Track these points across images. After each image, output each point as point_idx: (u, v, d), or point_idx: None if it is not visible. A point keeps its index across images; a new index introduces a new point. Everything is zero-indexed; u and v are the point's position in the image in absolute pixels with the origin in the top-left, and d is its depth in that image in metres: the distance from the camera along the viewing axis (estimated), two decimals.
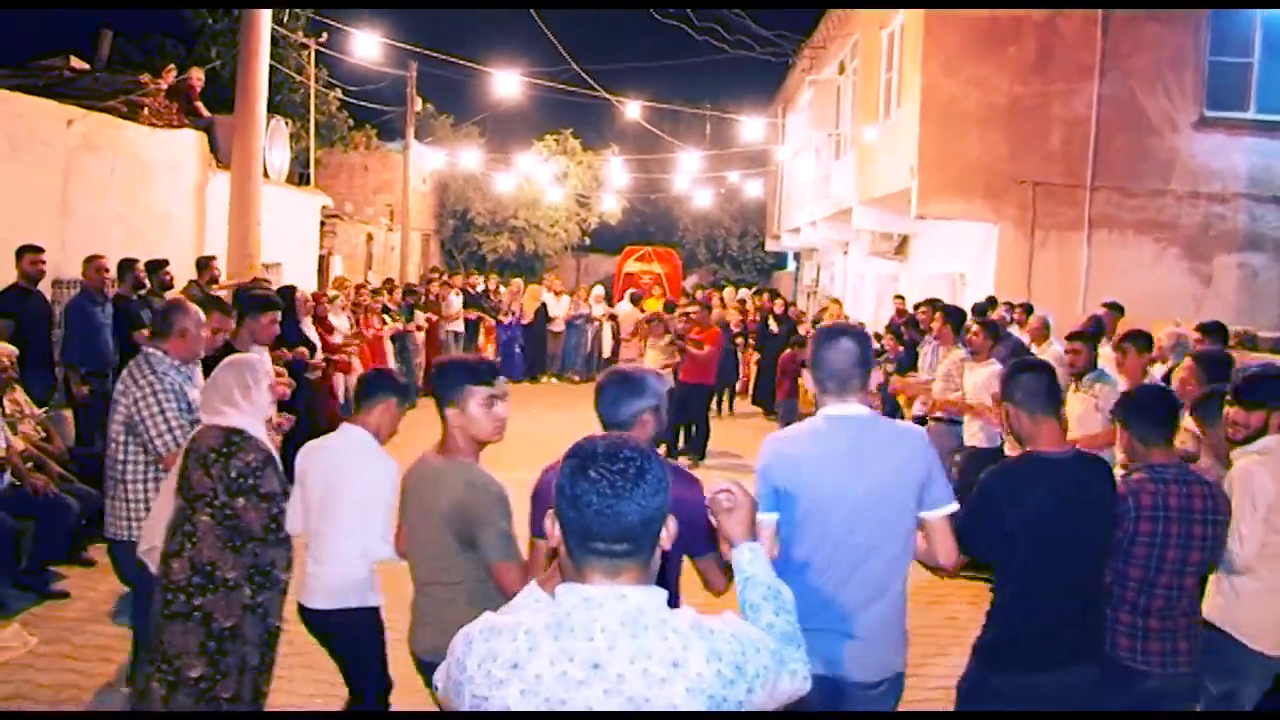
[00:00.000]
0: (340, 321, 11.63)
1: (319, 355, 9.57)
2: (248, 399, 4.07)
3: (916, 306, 11.28)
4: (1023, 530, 3.40)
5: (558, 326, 18.91)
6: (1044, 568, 3.43)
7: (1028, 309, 10.87)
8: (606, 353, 18.98)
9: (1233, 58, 13.26)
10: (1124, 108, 13.09)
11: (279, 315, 6.82)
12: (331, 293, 12.18)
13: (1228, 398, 4.26)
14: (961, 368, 8.19)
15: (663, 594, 1.88)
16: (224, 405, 4.03)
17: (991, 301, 11.48)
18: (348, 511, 3.91)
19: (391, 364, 12.75)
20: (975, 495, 3.54)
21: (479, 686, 1.83)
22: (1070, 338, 7.07)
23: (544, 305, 18.82)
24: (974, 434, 7.93)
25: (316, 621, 3.99)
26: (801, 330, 14.51)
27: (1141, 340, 6.83)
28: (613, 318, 19.21)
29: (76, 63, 12.90)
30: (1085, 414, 6.66)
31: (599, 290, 20.60)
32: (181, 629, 3.89)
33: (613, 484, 1.84)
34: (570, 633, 1.80)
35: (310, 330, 9.94)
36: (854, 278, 20.60)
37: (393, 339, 13.66)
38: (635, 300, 18.73)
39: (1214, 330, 7.72)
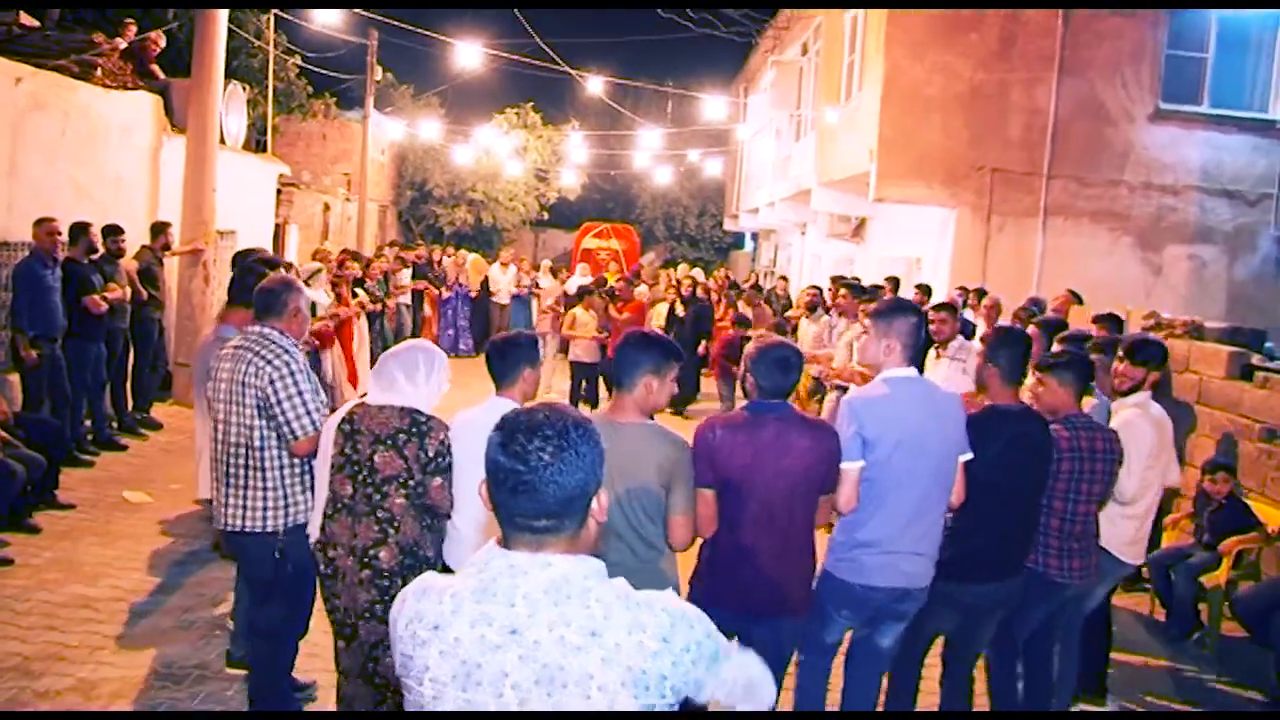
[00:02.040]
0: (320, 296, 11.28)
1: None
2: (427, 382, 3.94)
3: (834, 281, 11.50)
4: (984, 472, 4.13)
5: (502, 299, 19.06)
6: (997, 502, 4.22)
7: (980, 293, 10.99)
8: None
9: (1189, 52, 13.46)
10: (1082, 98, 13.24)
11: None
12: (314, 265, 11.85)
13: (1119, 355, 5.16)
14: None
15: (593, 564, 1.87)
16: (404, 378, 3.89)
17: (925, 288, 11.57)
18: None
19: (367, 343, 12.49)
20: None
21: (405, 645, 1.87)
22: (938, 307, 8.20)
23: (487, 278, 18.96)
24: None
25: None
26: (746, 311, 13.89)
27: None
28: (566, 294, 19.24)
29: (26, 19, 12.60)
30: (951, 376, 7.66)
31: (546, 264, 20.71)
32: None
33: (527, 461, 1.82)
34: (493, 598, 1.81)
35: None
36: (811, 259, 20.71)
37: (370, 317, 13.22)
38: (555, 274, 19.12)
39: (1106, 319, 8.00)
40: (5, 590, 6.02)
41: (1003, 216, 13.38)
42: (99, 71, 11.53)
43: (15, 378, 8.59)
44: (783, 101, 20.29)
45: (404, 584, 3.70)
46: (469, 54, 16.73)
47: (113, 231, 9.50)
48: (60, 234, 8.58)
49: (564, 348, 13.97)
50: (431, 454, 3.81)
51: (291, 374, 4.18)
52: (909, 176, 13.37)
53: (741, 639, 3.74)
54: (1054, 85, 13.17)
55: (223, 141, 12.43)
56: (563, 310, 14.42)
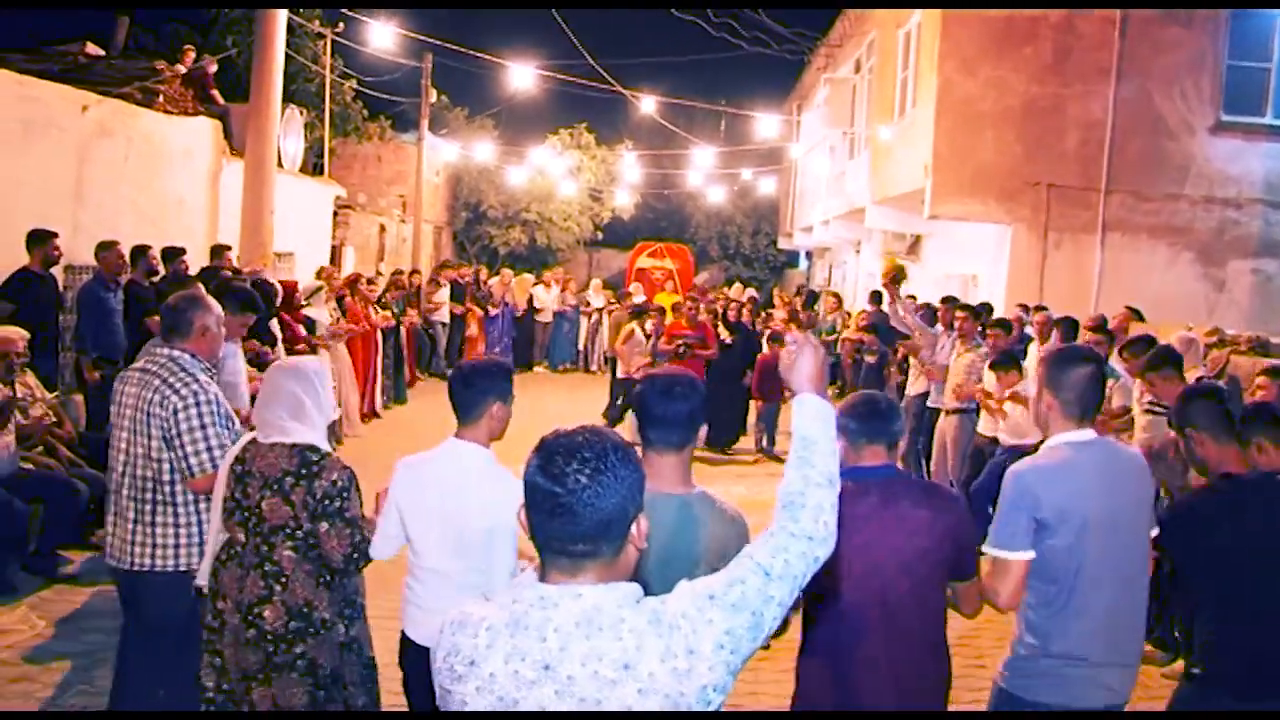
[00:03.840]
0: (320, 314, 11.21)
1: (278, 349, 9.00)
2: (319, 411, 3.58)
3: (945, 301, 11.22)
4: (1236, 550, 3.37)
5: (545, 317, 19.30)
6: (1261, 589, 3.37)
7: (1041, 310, 10.80)
8: (606, 344, 18.86)
9: (1251, 62, 13.22)
10: (1140, 111, 13.04)
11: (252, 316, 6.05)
12: (316, 283, 11.88)
13: None
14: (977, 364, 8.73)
15: (625, 590, 1.82)
16: (291, 420, 3.49)
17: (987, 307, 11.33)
18: (475, 545, 3.32)
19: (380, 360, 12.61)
20: (1180, 516, 3.59)
21: (444, 679, 1.84)
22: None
23: (531, 296, 19.22)
24: (988, 426, 8.34)
25: (422, 656, 3.29)
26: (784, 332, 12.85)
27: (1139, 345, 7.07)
28: (613, 311, 19.20)
29: (92, 48, 12.94)
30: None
31: (597, 283, 21.03)
32: (292, 680, 3.43)
33: (564, 483, 1.78)
34: (525, 631, 1.77)
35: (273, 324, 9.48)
36: (866, 277, 20.56)
37: (384, 333, 13.17)
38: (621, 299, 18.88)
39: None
40: (70, 606, 6.13)
41: (1059, 233, 13.20)
42: (161, 98, 11.81)
43: (79, 398, 8.75)
44: (836, 119, 20.22)
45: (289, 648, 3.39)
46: (522, 75, 16.86)
47: (174, 254, 9.67)
48: (123, 257, 8.76)
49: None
50: (319, 496, 3.41)
51: (197, 404, 3.89)
52: (964, 193, 13.24)
53: None
54: (1110, 98, 12.98)
55: (280, 165, 12.63)
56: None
